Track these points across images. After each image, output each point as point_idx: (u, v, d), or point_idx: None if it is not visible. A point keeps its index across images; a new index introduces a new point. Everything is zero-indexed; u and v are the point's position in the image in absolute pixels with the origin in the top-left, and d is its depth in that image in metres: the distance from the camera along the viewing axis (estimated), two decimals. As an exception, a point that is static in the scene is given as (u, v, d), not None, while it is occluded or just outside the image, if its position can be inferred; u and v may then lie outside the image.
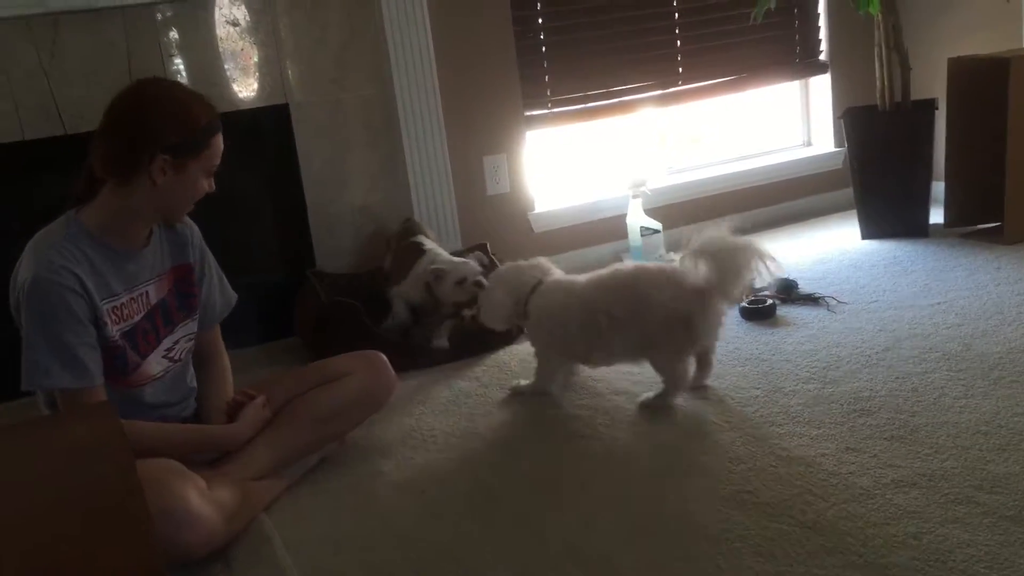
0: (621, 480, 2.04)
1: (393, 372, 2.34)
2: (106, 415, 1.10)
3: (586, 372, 2.63)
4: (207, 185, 1.95)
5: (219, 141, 1.92)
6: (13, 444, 1.07)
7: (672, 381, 2.36)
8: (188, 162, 1.87)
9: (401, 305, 3.01)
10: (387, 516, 2.01)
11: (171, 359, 2.03)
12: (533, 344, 2.54)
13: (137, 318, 1.94)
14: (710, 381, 2.47)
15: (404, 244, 3.12)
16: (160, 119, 1.84)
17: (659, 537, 1.80)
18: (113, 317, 1.88)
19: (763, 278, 2.30)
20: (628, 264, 2.51)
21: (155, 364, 1.98)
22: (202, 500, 1.82)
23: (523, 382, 2.57)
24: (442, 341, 2.91)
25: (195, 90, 1.95)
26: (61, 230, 1.86)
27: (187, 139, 1.85)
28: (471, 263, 2.91)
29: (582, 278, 2.46)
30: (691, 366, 2.42)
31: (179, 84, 1.97)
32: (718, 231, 2.29)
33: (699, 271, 2.26)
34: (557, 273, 2.55)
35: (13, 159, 2.79)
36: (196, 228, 2.12)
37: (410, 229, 3.19)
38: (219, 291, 2.18)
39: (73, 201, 1.93)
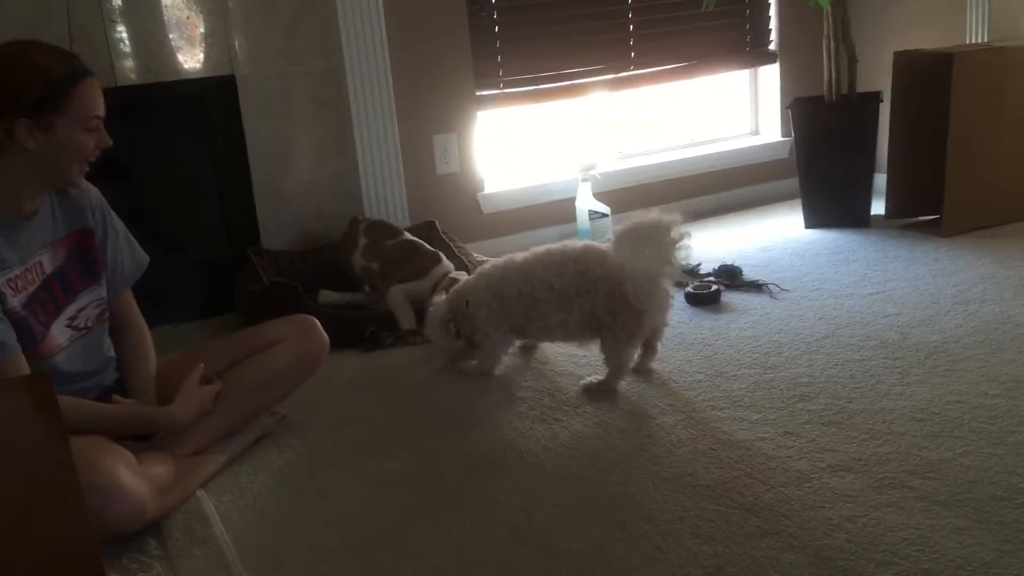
0: (564, 462, 2.04)
1: (325, 335, 2.30)
2: (39, 387, 1.07)
3: (533, 355, 2.64)
4: (94, 141, 1.83)
5: (87, 91, 1.79)
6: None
7: (616, 367, 2.37)
8: (54, 120, 1.75)
9: (402, 298, 2.91)
10: (328, 495, 2.00)
11: (75, 327, 1.95)
12: (479, 335, 2.50)
13: (33, 288, 1.86)
14: (655, 365, 2.49)
15: (397, 243, 3.02)
16: (10, 83, 1.74)
17: (600, 518, 1.81)
18: (10, 289, 1.80)
19: (690, 254, 2.30)
20: (576, 241, 2.51)
21: (59, 334, 1.91)
22: (131, 474, 1.78)
23: (471, 363, 2.57)
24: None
25: (54, 44, 1.83)
26: None
27: (43, 96, 1.74)
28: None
29: (523, 253, 2.48)
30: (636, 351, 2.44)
31: (33, 43, 1.81)
32: (639, 215, 2.31)
33: (634, 257, 2.28)
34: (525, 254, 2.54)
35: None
36: (94, 189, 2.01)
37: (388, 225, 3.12)
38: (128, 254, 2.09)
39: None
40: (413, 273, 2.92)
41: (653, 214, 2.28)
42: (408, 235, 3.10)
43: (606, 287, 2.30)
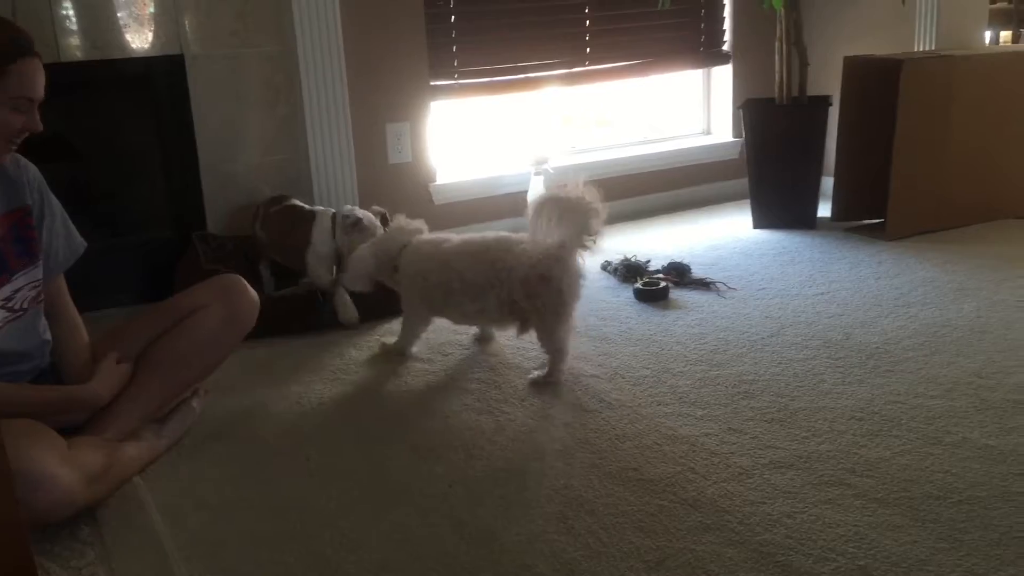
0: (509, 455, 2.04)
1: (253, 293, 2.24)
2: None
3: (480, 347, 2.64)
4: (21, 121, 1.76)
5: (25, 67, 1.73)
6: None
7: (554, 351, 2.39)
8: None
9: (320, 266, 2.91)
10: (269, 483, 1.97)
11: (10, 309, 1.88)
12: (403, 303, 2.58)
13: None
14: (603, 359, 2.50)
15: (279, 209, 3.02)
16: None
17: (543, 511, 1.80)
18: None
19: (601, 227, 2.34)
20: (491, 233, 2.52)
21: None
22: (59, 460, 1.73)
23: (387, 340, 2.64)
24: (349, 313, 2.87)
25: (3, 17, 1.77)
26: None
27: None
28: (376, 222, 2.91)
29: (454, 239, 2.51)
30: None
31: None
32: (555, 189, 2.36)
33: (549, 231, 2.31)
34: (432, 236, 2.59)
35: None
36: (34, 168, 1.94)
37: (281, 197, 3.11)
38: (64, 238, 2.01)
39: None
40: (298, 239, 2.92)
41: (570, 188, 2.32)
42: (293, 201, 3.07)
43: (519, 274, 2.32)
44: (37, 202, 1.94)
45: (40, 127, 1.80)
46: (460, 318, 2.56)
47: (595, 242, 2.33)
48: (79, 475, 1.76)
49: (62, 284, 2.05)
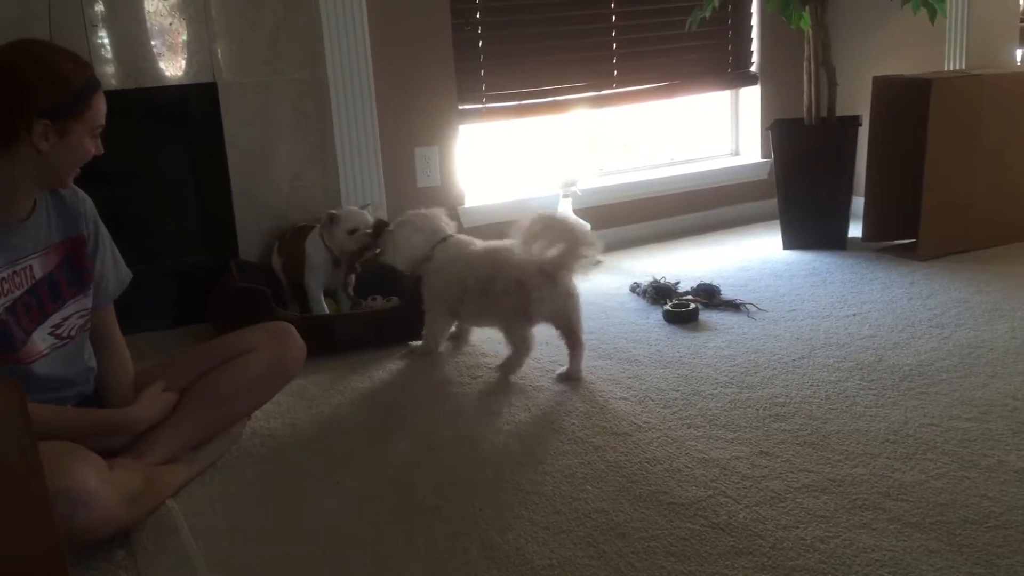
0: (538, 478, 2.04)
1: (301, 341, 2.30)
2: (9, 391, 1.05)
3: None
4: (93, 147, 1.86)
5: (100, 100, 1.84)
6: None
7: (514, 344, 2.54)
8: (70, 125, 1.78)
9: (317, 291, 3.00)
10: (300, 507, 1.98)
11: (58, 336, 1.93)
12: (424, 301, 2.72)
13: (19, 292, 1.84)
14: (632, 382, 2.50)
15: (291, 233, 3.14)
16: (34, 83, 1.74)
17: (574, 535, 1.80)
18: None
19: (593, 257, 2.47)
20: (503, 242, 2.60)
21: (40, 341, 1.89)
22: (100, 481, 1.76)
23: (415, 343, 2.79)
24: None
25: (67, 49, 1.85)
26: None
27: (66, 101, 1.77)
28: (365, 213, 2.98)
29: (479, 244, 2.67)
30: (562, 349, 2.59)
31: (50, 44, 1.85)
32: (548, 213, 2.56)
33: (537, 250, 2.43)
34: (465, 237, 2.77)
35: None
36: (89, 200, 2.01)
37: (303, 227, 3.17)
38: (112, 268, 2.07)
39: None
40: (299, 256, 3.03)
41: (556, 215, 2.56)
42: (304, 224, 3.16)
43: (504, 282, 2.48)
44: (92, 233, 2.00)
45: (103, 150, 1.89)
46: (471, 316, 2.70)
47: (590, 263, 2.46)
48: (118, 496, 1.79)
49: (111, 313, 2.11)
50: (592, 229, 3.64)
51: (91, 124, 1.82)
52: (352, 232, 2.90)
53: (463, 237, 2.73)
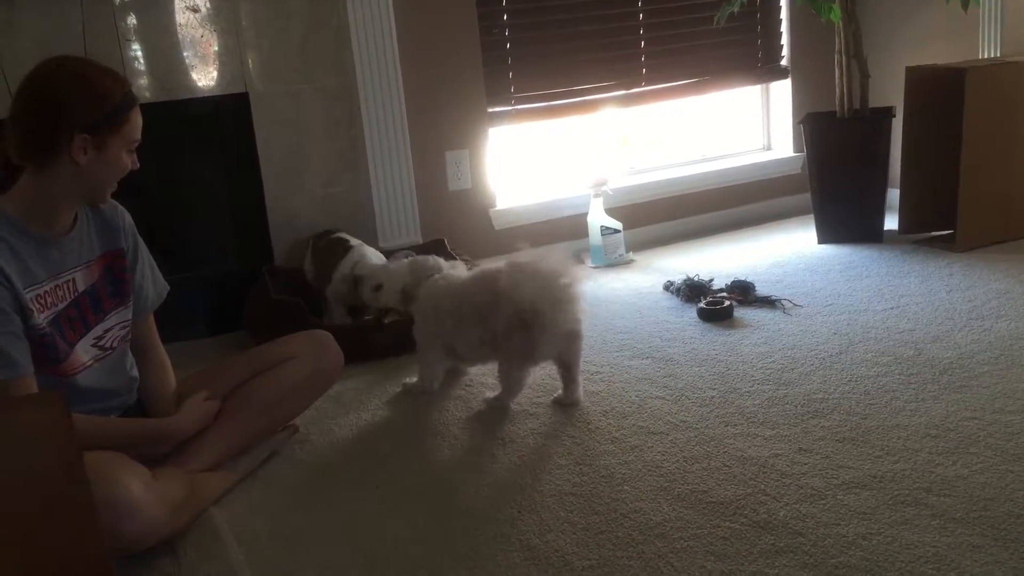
0: (576, 479, 2.04)
1: (339, 349, 2.33)
2: (53, 404, 1.07)
3: (545, 371, 2.64)
4: (130, 161, 1.89)
5: (137, 115, 1.87)
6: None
7: (506, 387, 2.42)
8: (108, 139, 1.81)
9: (338, 305, 3.00)
10: (340, 511, 2.00)
11: (101, 347, 1.97)
12: (417, 340, 2.57)
13: (62, 305, 1.88)
14: (668, 380, 2.49)
15: (324, 242, 3.11)
16: (74, 97, 1.78)
17: (614, 536, 1.80)
18: (38, 305, 1.81)
19: (579, 307, 2.31)
20: (494, 265, 2.49)
21: (83, 352, 1.92)
22: (145, 490, 1.79)
23: (410, 380, 2.62)
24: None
25: (105, 65, 1.88)
26: None
27: (104, 115, 1.80)
28: (391, 267, 2.87)
29: (466, 275, 2.53)
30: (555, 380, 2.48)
31: (88, 60, 1.89)
32: (536, 255, 2.35)
33: (523, 291, 2.26)
34: (456, 271, 2.61)
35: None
36: (127, 213, 2.05)
37: (330, 231, 3.18)
38: (151, 280, 2.12)
39: None
40: (332, 267, 3.00)
41: (552, 258, 2.31)
42: (340, 234, 3.13)
43: (508, 310, 2.28)
44: (131, 247, 2.04)
45: (139, 165, 1.92)
46: (468, 350, 2.47)
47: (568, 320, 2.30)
48: (163, 504, 1.82)
49: (151, 324, 2.15)
50: (625, 228, 3.65)
51: (128, 138, 1.85)
52: (378, 288, 2.82)
53: (449, 274, 2.56)
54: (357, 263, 2.94)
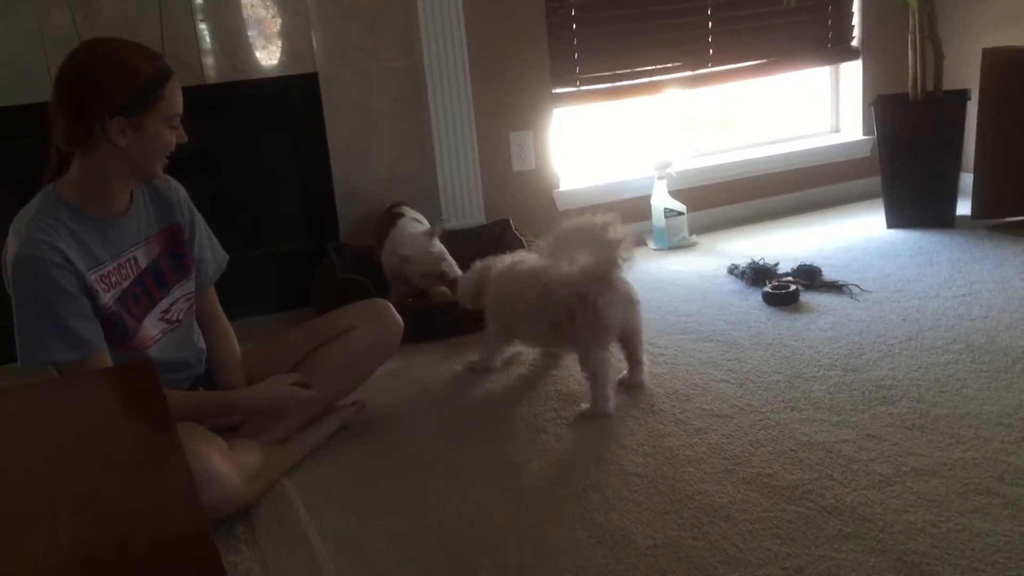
0: (640, 459, 2.05)
1: (399, 318, 2.35)
2: (143, 372, 1.11)
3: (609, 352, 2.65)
4: (175, 136, 1.88)
5: (173, 89, 1.85)
6: (58, 399, 1.09)
7: (592, 375, 2.28)
8: (145, 118, 1.80)
9: (396, 281, 3.02)
10: (408, 486, 2.03)
11: (168, 320, 2.02)
12: (486, 322, 2.60)
13: (126, 283, 1.92)
14: (732, 364, 2.47)
15: (385, 216, 3.12)
16: (103, 82, 1.77)
17: (677, 516, 1.81)
18: (102, 285, 1.86)
19: (631, 252, 2.25)
20: (542, 249, 2.49)
21: (152, 327, 1.98)
22: (223, 460, 1.85)
23: (473, 359, 2.66)
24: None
25: (137, 42, 1.86)
26: (39, 205, 1.83)
27: (136, 96, 1.79)
28: (435, 251, 2.93)
29: (527, 263, 2.48)
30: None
31: (119, 41, 1.83)
32: (570, 220, 2.32)
33: (569, 264, 2.27)
34: (528, 259, 2.57)
35: (44, 118, 2.80)
36: (182, 188, 2.08)
37: (396, 203, 3.19)
38: (210, 251, 2.15)
39: (49, 176, 1.88)
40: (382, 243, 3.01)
41: (586, 217, 2.27)
42: (401, 207, 3.13)
43: (561, 294, 2.27)
44: (188, 220, 2.08)
45: (186, 138, 1.91)
46: (530, 339, 2.54)
47: (624, 265, 2.26)
48: (241, 475, 1.88)
49: (213, 295, 2.20)
50: (688, 211, 3.63)
51: (166, 114, 1.84)
52: (423, 274, 2.92)
53: (508, 263, 2.55)
54: (397, 242, 2.95)
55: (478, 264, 2.65)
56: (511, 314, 2.46)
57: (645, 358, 2.44)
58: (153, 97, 1.81)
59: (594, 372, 2.28)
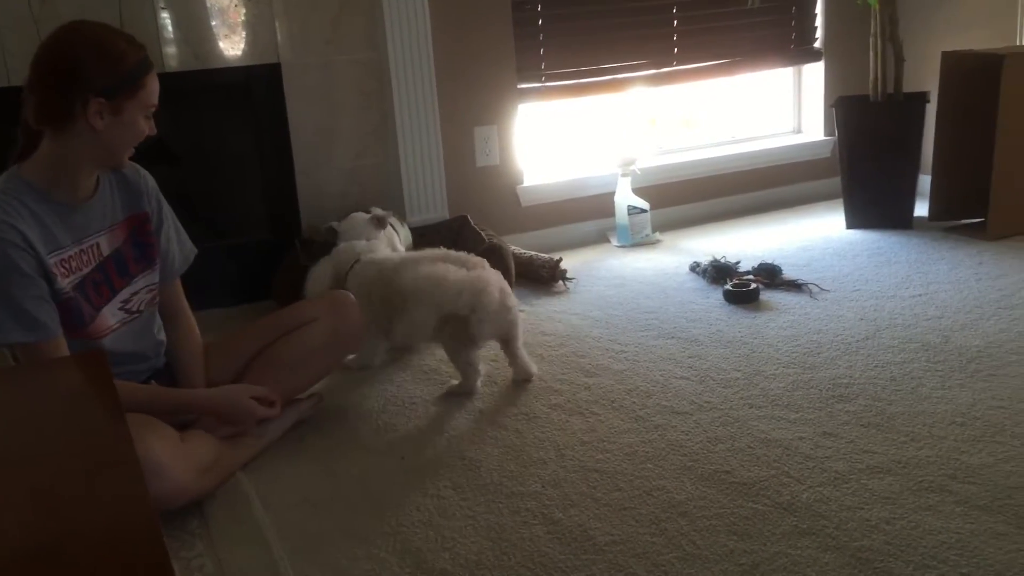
0: (599, 455, 2.05)
1: (360, 311, 2.34)
2: (94, 363, 1.09)
3: (570, 348, 2.65)
4: (147, 127, 1.88)
5: (153, 80, 1.86)
6: (10, 387, 1.07)
7: (462, 371, 2.39)
8: (124, 103, 1.81)
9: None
10: (365, 480, 2.02)
11: (128, 310, 1.99)
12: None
13: (87, 270, 1.89)
14: (692, 361, 2.49)
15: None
16: (89, 62, 1.78)
17: (637, 513, 1.81)
18: (62, 270, 1.83)
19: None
20: (430, 252, 2.53)
21: (110, 316, 1.94)
22: (173, 451, 1.82)
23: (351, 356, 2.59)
24: None
25: (122, 30, 1.88)
26: (2, 185, 1.80)
27: (120, 80, 1.80)
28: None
29: (397, 256, 2.53)
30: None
31: (105, 25, 1.86)
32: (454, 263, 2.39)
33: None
34: (386, 252, 2.62)
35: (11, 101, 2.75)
36: (150, 177, 2.06)
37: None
38: (177, 243, 2.12)
39: (15, 156, 1.87)
40: None
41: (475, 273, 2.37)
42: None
43: (444, 298, 2.32)
44: (155, 210, 2.05)
45: (156, 131, 1.92)
46: (405, 337, 2.50)
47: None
48: (190, 466, 1.85)
49: (178, 288, 2.17)
50: (652, 208, 3.65)
51: (144, 103, 1.85)
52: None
53: (375, 257, 2.59)
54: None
55: (325, 259, 2.64)
56: (388, 310, 2.44)
57: (524, 352, 2.46)
58: (135, 84, 1.82)
59: (463, 370, 2.39)
